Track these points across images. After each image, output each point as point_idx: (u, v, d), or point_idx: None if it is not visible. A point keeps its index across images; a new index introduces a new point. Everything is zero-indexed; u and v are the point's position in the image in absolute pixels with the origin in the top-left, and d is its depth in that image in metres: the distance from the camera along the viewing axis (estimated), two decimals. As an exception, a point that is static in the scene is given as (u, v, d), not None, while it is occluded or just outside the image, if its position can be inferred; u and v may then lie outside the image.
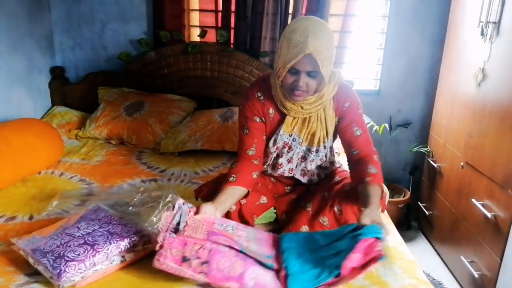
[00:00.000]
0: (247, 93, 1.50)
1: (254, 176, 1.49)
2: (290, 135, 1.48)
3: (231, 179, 1.44)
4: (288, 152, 1.51)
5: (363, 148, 1.47)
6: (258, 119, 1.48)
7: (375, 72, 2.92)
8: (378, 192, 1.35)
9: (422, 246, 2.69)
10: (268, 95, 1.46)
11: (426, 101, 2.87)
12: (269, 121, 1.49)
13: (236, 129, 2.34)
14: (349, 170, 1.52)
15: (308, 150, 1.51)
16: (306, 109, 1.41)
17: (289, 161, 1.54)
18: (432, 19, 2.71)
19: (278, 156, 1.53)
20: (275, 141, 1.48)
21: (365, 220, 1.18)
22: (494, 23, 1.99)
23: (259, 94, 1.47)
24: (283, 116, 1.47)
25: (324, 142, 1.49)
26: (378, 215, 1.25)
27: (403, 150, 2.95)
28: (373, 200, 1.28)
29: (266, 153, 1.53)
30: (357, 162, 1.46)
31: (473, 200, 2.08)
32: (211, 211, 1.32)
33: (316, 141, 1.48)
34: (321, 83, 1.35)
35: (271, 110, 1.47)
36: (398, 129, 2.88)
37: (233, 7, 2.62)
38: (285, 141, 1.49)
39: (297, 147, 1.50)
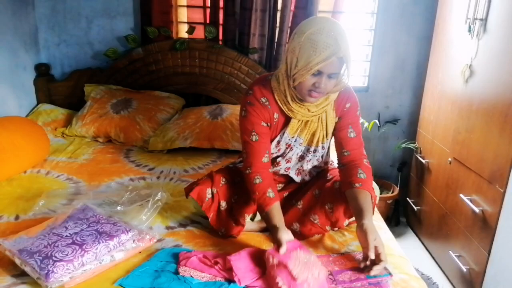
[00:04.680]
0: (249, 99, 1.43)
1: None
2: (293, 137, 1.47)
3: (271, 195, 1.38)
4: (288, 151, 1.50)
5: (355, 151, 1.47)
6: (265, 124, 1.44)
7: (364, 68, 2.93)
8: (369, 200, 1.35)
9: (410, 241, 2.71)
10: (271, 99, 1.42)
11: (414, 97, 2.90)
12: (273, 125, 1.46)
13: (226, 127, 2.34)
14: (338, 170, 1.52)
15: (307, 150, 1.50)
16: (313, 111, 1.40)
17: (287, 160, 1.52)
18: (419, 16, 2.73)
19: (278, 155, 1.52)
20: (278, 143, 1.47)
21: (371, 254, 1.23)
22: (481, 19, 2.01)
23: (263, 100, 1.42)
24: (287, 119, 1.44)
25: (322, 143, 1.49)
26: (373, 226, 1.27)
27: (391, 146, 2.97)
28: (365, 213, 1.30)
29: None
30: (347, 164, 1.46)
31: (461, 195, 2.11)
32: (291, 238, 1.29)
33: (315, 141, 1.47)
34: (338, 84, 1.33)
35: (275, 115, 1.44)
36: (387, 125, 2.90)
37: (221, 3, 2.60)
38: (287, 143, 1.48)
39: (297, 147, 1.49)
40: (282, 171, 1.55)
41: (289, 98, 1.38)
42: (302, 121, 1.44)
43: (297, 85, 1.32)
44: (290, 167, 1.55)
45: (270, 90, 1.42)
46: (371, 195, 1.38)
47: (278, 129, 1.46)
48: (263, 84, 1.44)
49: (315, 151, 1.50)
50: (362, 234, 1.25)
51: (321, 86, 1.29)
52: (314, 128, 1.45)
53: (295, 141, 1.47)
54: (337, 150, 1.51)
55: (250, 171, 1.42)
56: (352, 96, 1.47)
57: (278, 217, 1.35)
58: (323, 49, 1.24)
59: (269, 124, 1.45)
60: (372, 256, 1.22)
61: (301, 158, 1.53)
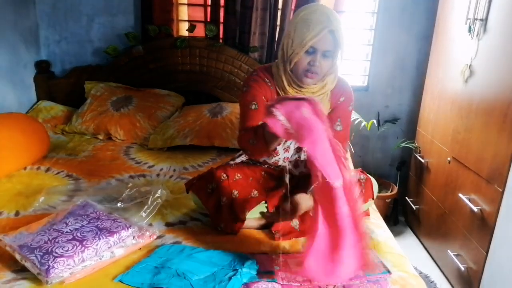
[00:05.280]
0: (253, 77, 1.49)
1: None
2: None
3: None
4: (285, 140, 1.51)
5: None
6: (264, 99, 1.48)
7: (364, 68, 2.93)
8: None
9: (409, 240, 2.72)
10: (272, 84, 1.48)
11: (414, 97, 2.90)
12: None
13: (226, 125, 2.35)
14: None
15: None
16: None
17: (285, 150, 1.54)
18: (420, 16, 2.73)
19: None
20: None
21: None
22: (482, 20, 2.01)
23: (266, 80, 1.48)
24: None
25: None
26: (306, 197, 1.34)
27: (390, 145, 2.98)
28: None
29: None
30: None
31: (460, 194, 2.11)
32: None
33: None
34: (333, 66, 1.38)
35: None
36: (386, 124, 2.90)
37: (222, 2, 2.60)
38: None
39: None
40: (281, 162, 1.57)
41: (285, 83, 1.43)
42: None
43: (293, 67, 1.37)
44: (288, 157, 1.56)
45: (271, 75, 1.48)
46: None
47: None
48: (265, 69, 1.51)
49: None
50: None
51: (316, 64, 1.34)
52: None
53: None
54: None
55: (247, 130, 1.41)
56: (348, 90, 1.52)
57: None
58: (316, 25, 1.31)
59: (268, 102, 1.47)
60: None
61: (299, 148, 1.55)
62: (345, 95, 1.51)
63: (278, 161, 1.56)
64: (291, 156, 1.57)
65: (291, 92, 1.44)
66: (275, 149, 1.53)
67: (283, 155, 1.55)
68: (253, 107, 1.46)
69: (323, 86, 1.44)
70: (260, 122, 1.36)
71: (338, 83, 1.49)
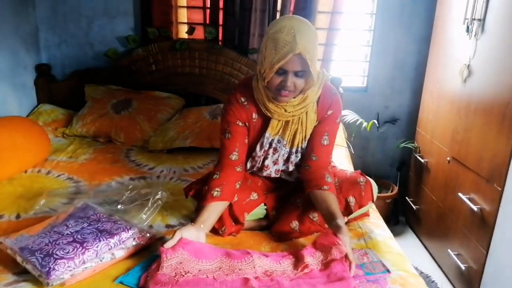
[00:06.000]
0: (229, 98, 1.47)
1: (237, 186, 1.48)
2: (274, 138, 1.47)
3: (215, 193, 1.40)
4: (273, 154, 1.51)
5: (323, 158, 1.49)
6: (241, 124, 1.46)
7: (363, 69, 2.94)
8: (337, 202, 1.41)
9: (410, 240, 2.72)
10: (251, 100, 1.44)
11: (413, 97, 2.91)
12: (252, 126, 1.47)
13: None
14: (301, 168, 1.52)
15: (291, 151, 1.51)
16: (289, 112, 1.40)
17: (275, 162, 1.53)
18: (418, 16, 2.74)
19: (264, 158, 1.53)
20: (262, 144, 1.48)
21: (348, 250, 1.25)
22: (479, 20, 2.02)
23: (242, 99, 1.44)
24: (266, 120, 1.45)
25: (302, 144, 1.49)
26: (346, 227, 1.31)
27: (390, 146, 2.99)
28: (338, 214, 1.35)
29: (253, 157, 1.52)
30: (312, 167, 1.48)
31: (460, 194, 2.12)
32: (190, 235, 1.28)
33: (296, 142, 1.48)
34: (308, 82, 1.34)
35: (254, 115, 1.46)
36: (386, 125, 2.91)
37: (221, 4, 2.61)
38: (271, 143, 1.48)
39: (282, 149, 1.50)
40: (273, 174, 1.56)
41: (265, 98, 1.39)
42: (283, 121, 1.44)
43: (268, 85, 1.34)
44: (279, 169, 1.55)
45: (251, 90, 1.44)
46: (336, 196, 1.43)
47: (259, 130, 1.48)
48: (245, 85, 1.46)
49: (296, 152, 1.50)
50: (337, 233, 1.28)
51: (287, 85, 1.30)
52: (294, 130, 1.46)
53: (279, 142, 1.48)
54: (306, 150, 1.51)
55: (216, 165, 1.50)
56: (336, 102, 1.47)
57: (205, 216, 1.37)
58: (282, 47, 1.25)
59: (247, 124, 1.47)
60: (351, 257, 1.24)
61: (287, 160, 1.53)
62: (333, 108, 1.46)
63: (270, 174, 1.56)
64: (280, 168, 1.55)
65: (271, 106, 1.39)
66: (266, 165, 1.53)
67: (273, 167, 1.54)
68: (226, 136, 1.47)
69: (304, 98, 1.39)
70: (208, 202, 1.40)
71: (326, 93, 1.44)
